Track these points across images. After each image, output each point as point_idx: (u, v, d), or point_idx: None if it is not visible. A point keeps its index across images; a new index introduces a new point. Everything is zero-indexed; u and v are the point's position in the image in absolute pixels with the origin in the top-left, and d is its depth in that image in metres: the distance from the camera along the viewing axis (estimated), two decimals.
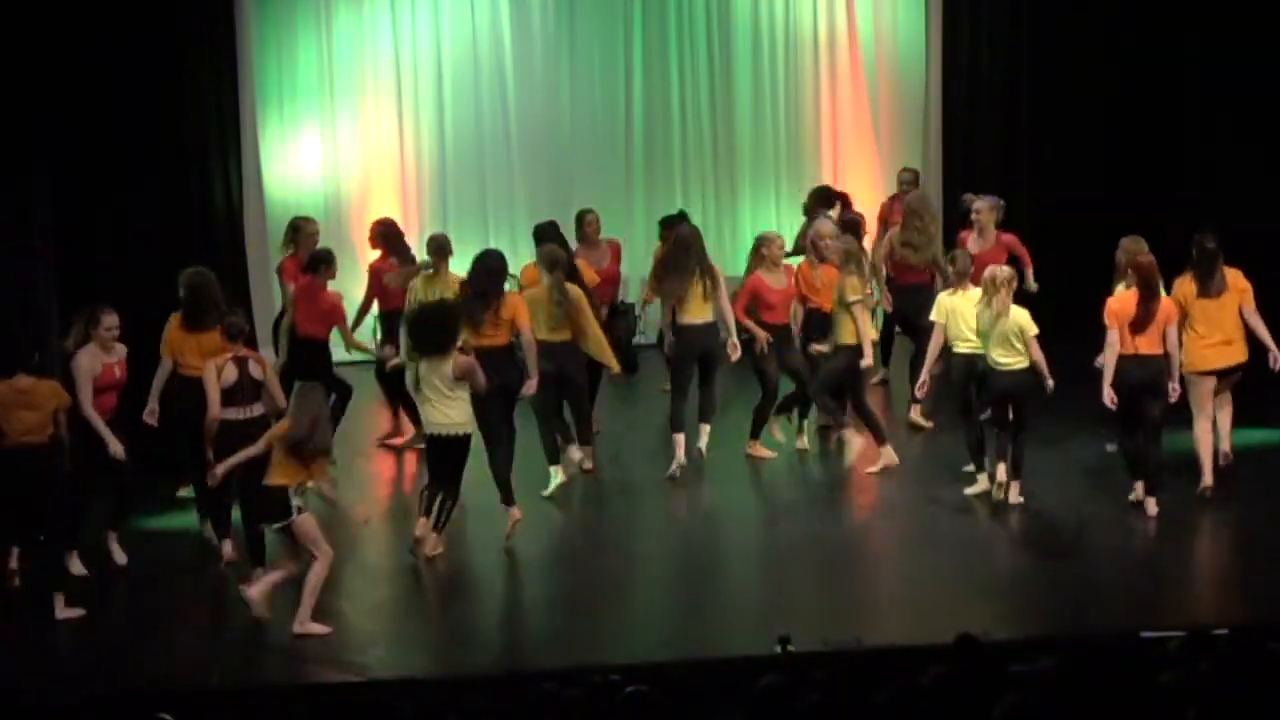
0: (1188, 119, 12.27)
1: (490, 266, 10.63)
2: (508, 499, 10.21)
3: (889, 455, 11.30)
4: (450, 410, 9.77)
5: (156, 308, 11.03)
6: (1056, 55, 14.38)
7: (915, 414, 12.25)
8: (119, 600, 9.52)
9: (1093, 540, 10.01)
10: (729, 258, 15.55)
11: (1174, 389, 10.29)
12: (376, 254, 12.38)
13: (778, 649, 7.86)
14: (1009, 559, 9.65)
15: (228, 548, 9.92)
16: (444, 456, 9.94)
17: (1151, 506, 10.33)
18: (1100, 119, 13.75)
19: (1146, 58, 13.05)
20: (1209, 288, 10.52)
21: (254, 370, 9.71)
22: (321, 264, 11.45)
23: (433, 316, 10.01)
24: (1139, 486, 10.43)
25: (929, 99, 15.63)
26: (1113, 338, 10.30)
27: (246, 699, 7.77)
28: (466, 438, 9.87)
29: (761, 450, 11.67)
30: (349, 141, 14.93)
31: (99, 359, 9.75)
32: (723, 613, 9.01)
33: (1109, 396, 10.28)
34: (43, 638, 8.96)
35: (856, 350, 11.13)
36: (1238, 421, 11.01)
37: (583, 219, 12.61)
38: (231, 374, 9.61)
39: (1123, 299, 10.38)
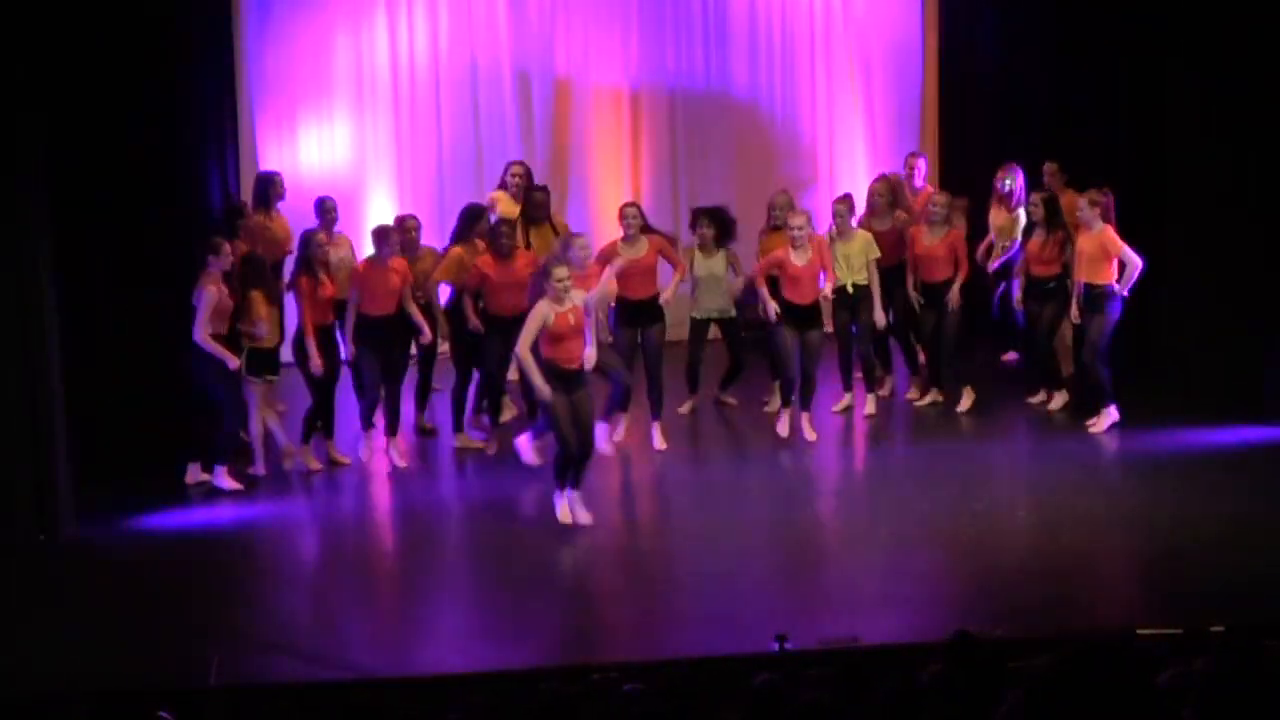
0: (1184, 111, 12.28)
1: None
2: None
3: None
4: (718, 298, 12.00)
5: (152, 305, 11.05)
6: (1054, 46, 14.36)
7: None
8: (119, 598, 9.52)
9: (1090, 537, 10.02)
10: None
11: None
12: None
13: (775, 647, 7.89)
14: (1006, 556, 9.66)
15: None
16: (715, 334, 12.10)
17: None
18: (1097, 110, 13.74)
19: (1144, 50, 13.04)
20: None
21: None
22: (380, 240, 11.67)
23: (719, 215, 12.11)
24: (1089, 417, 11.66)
25: (925, 89, 15.64)
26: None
27: (246, 698, 7.78)
28: (731, 320, 12.06)
29: None
30: (345, 140, 14.92)
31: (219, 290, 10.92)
32: (719, 610, 9.02)
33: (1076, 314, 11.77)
34: (42, 636, 8.97)
35: None
36: (1237, 418, 11.60)
37: (620, 214, 12.03)
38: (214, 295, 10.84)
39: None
